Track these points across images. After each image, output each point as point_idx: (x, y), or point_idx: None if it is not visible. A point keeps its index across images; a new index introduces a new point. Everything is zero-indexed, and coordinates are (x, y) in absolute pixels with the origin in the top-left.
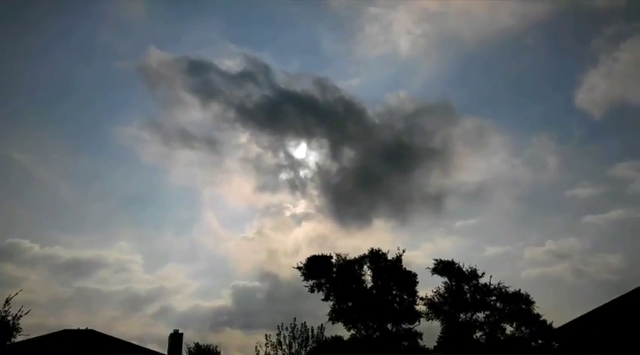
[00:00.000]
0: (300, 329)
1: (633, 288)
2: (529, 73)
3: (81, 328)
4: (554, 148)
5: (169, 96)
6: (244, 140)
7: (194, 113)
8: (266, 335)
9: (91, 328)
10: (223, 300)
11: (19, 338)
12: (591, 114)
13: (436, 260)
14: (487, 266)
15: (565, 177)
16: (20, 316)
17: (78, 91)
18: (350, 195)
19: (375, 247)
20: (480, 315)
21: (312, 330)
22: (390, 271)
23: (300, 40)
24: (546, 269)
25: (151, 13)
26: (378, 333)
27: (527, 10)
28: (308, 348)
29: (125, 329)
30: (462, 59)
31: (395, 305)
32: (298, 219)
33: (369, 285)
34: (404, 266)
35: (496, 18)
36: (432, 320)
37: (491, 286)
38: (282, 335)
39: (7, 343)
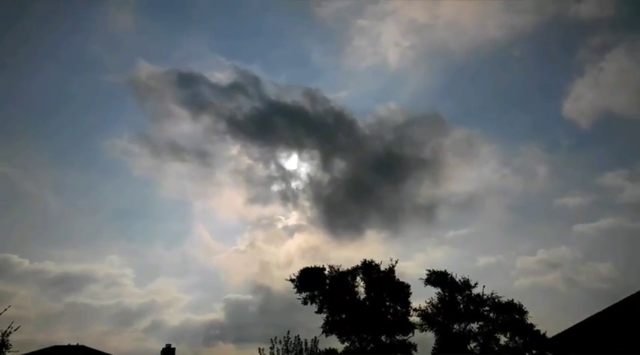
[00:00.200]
0: (293, 342)
1: (625, 297)
2: (517, 84)
3: (72, 344)
4: (543, 157)
5: (159, 109)
6: (235, 152)
7: (184, 125)
8: (259, 348)
9: (82, 344)
10: (215, 314)
11: None
12: (579, 123)
13: (429, 270)
14: (480, 277)
15: (555, 186)
16: (10, 332)
17: (67, 105)
18: (342, 206)
19: (368, 258)
20: (474, 326)
21: (306, 343)
22: (383, 282)
23: (290, 52)
24: (538, 278)
25: (140, 27)
26: (372, 345)
27: (514, 21)
28: None
29: (117, 345)
30: (450, 70)
31: (388, 316)
32: (290, 231)
33: (362, 297)
34: (397, 277)
35: (483, 29)
36: (426, 331)
37: (485, 296)
38: (275, 349)
39: None
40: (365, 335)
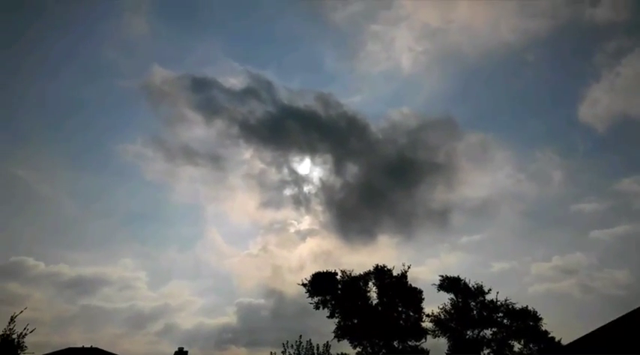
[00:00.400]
0: (305, 346)
1: None
2: (531, 88)
3: (85, 346)
4: (559, 163)
5: (173, 113)
6: (248, 156)
7: (198, 130)
8: (271, 352)
9: (96, 346)
10: (228, 318)
11: None
12: (595, 128)
13: (442, 276)
14: (493, 283)
15: (570, 191)
16: (25, 334)
17: (82, 110)
18: (354, 211)
19: (380, 263)
20: (487, 332)
21: (318, 348)
22: (396, 287)
23: (303, 57)
24: (553, 284)
25: (155, 32)
26: (384, 350)
27: (528, 25)
28: None
29: (129, 347)
30: (463, 75)
31: (401, 322)
32: (303, 235)
33: (374, 302)
34: (409, 282)
35: (497, 33)
36: (439, 337)
37: (498, 302)
38: (287, 353)
39: None
40: (377, 341)
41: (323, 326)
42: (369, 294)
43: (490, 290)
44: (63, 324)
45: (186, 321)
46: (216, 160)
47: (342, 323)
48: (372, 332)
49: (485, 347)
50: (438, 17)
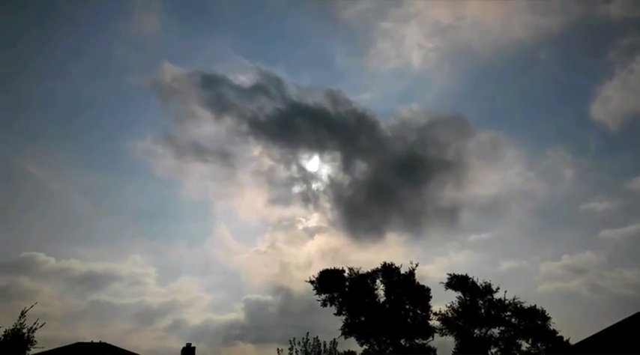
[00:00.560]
0: (312, 343)
1: None
2: (543, 85)
3: (94, 341)
4: (570, 161)
5: (183, 110)
6: (257, 153)
7: (207, 127)
8: (278, 349)
9: (104, 341)
10: (236, 314)
11: (33, 351)
12: (607, 126)
13: (450, 274)
14: (502, 281)
15: (581, 190)
16: (35, 329)
17: (92, 106)
18: (363, 208)
19: (388, 261)
20: (495, 331)
21: (325, 345)
22: (403, 285)
23: (313, 54)
24: (562, 284)
25: (166, 29)
26: (391, 348)
27: (540, 22)
28: None
29: (138, 343)
30: (474, 72)
31: (408, 319)
32: (311, 233)
33: (381, 300)
34: (417, 280)
35: (508, 30)
36: (446, 335)
37: (506, 301)
38: (294, 350)
39: None
40: (384, 338)
41: (330, 323)
42: (376, 292)
43: (498, 288)
44: (72, 319)
45: (195, 317)
46: (225, 157)
47: (349, 321)
48: (379, 330)
49: (492, 346)
50: (448, 14)
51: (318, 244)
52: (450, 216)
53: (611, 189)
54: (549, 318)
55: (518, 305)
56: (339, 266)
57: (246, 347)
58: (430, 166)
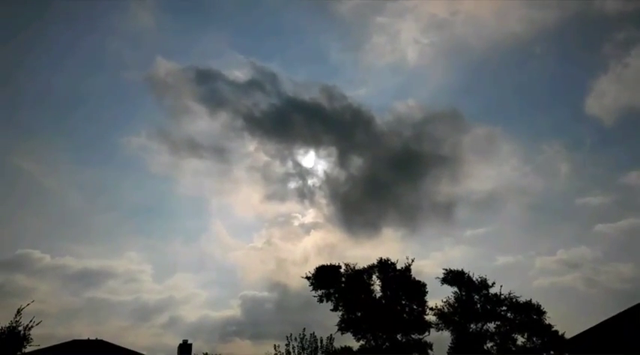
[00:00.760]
0: (309, 339)
1: None
2: (538, 80)
3: (91, 338)
4: (565, 156)
5: (177, 105)
6: (252, 149)
7: (202, 122)
8: (275, 345)
9: (101, 338)
10: (232, 310)
11: (29, 349)
12: (602, 120)
13: (446, 269)
14: (497, 276)
15: (576, 185)
16: (31, 326)
17: (86, 102)
18: (358, 204)
19: (384, 256)
20: (491, 326)
21: (322, 341)
22: (400, 281)
23: (308, 49)
24: (557, 278)
25: (160, 24)
26: (387, 344)
27: (535, 15)
28: None
29: (134, 340)
30: (470, 67)
31: (404, 315)
32: (307, 229)
33: (378, 295)
34: (413, 275)
35: (504, 25)
36: (442, 330)
37: (502, 296)
38: (291, 346)
39: (18, 353)
40: (380, 334)
41: (327, 319)
42: (372, 287)
43: (494, 283)
44: (68, 317)
45: (191, 314)
46: (220, 153)
47: (345, 317)
48: (376, 326)
49: (488, 341)
50: (443, 9)
51: (314, 240)
52: (445, 211)
53: (605, 183)
54: (545, 313)
55: (514, 300)
56: (335, 262)
57: (243, 344)
58: (426, 161)
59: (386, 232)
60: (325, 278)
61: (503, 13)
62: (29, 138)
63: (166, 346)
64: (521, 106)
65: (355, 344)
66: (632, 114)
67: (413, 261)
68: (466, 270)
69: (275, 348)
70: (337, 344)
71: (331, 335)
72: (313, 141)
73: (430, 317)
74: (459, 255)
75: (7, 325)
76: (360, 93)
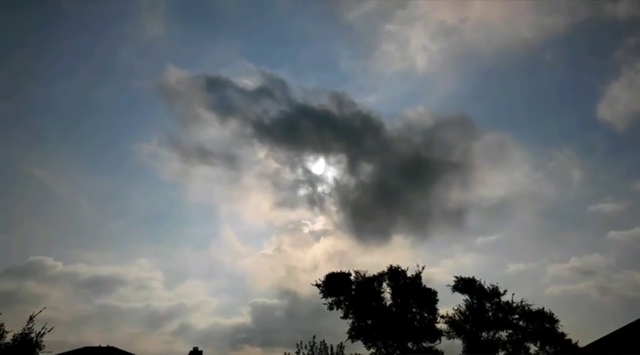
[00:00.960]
0: (319, 347)
1: None
2: (549, 85)
3: (102, 345)
4: (577, 162)
5: (187, 113)
6: (262, 156)
7: (212, 130)
8: (285, 353)
9: (112, 345)
10: (242, 318)
11: None
12: (614, 126)
13: (456, 277)
14: (509, 284)
15: (588, 191)
16: (43, 333)
17: (97, 110)
18: (368, 211)
19: (394, 264)
20: (503, 334)
21: (332, 349)
22: (410, 288)
23: (318, 56)
24: (570, 286)
25: (170, 33)
26: (398, 352)
27: (546, 21)
28: None
29: (145, 347)
30: (479, 73)
31: (415, 323)
32: (317, 236)
33: (388, 303)
34: (424, 283)
35: (514, 31)
36: (454, 338)
37: (514, 304)
38: (301, 354)
39: None
40: (391, 342)
41: (337, 326)
42: (383, 295)
43: (506, 291)
44: (80, 323)
45: (201, 321)
46: (230, 160)
47: (356, 324)
48: (386, 333)
49: (500, 349)
50: (453, 15)
51: (324, 247)
52: (456, 218)
53: (618, 190)
54: (557, 321)
55: (526, 308)
56: (345, 270)
57: (254, 351)
58: (436, 168)
59: (396, 239)
60: (335, 285)
61: (513, 18)
62: (40, 145)
63: (177, 353)
64: (532, 112)
65: (366, 352)
66: None
67: (423, 268)
68: (477, 278)
69: None
70: (348, 352)
71: (341, 343)
72: (323, 148)
73: (441, 325)
74: (470, 263)
75: (20, 332)
76: (369, 100)
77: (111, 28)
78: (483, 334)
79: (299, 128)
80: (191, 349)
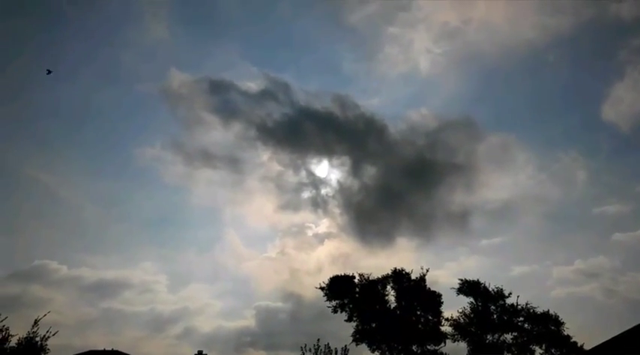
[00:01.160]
0: (323, 350)
1: None
2: (553, 87)
3: (107, 349)
4: (581, 163)
5: (191, 116)
6: (265, 158)
7: (215, 133)
8: None
9: (117, 349)
10: (246, 321)
11: None
12: (619, 127)
13: (461, 280)
14: (514, 286)
15: (592, 193)
16: (48, 337)
17: (101, 114)
18: (372, 213)
19: (399, 266)
20: (508, 337)
21: (336, 352)
22: (414, 291)
23: (321, 59)
24: (575, 288)
25: (174, 37)
26: (402, 354)
27: (549, 22)
28: None
29: (149, 350)
30: (483, 75)
31: (419, 325)
32: (320, 238)
33: (392, 306)
34: (428, 286)
35: (517, 32)
36: (458, 341)
37: (519, 306)
38: None
39: None
40: (396, 345)
41: (341, 329)
42: (387, 298)
43: (510, 294)
44: (85, 327)
45: (206, 324)
46: (234, 163)
47: (360, 327)
48: (391, 336)
49: (505, 352)
50: (456, 16)
51: (328, 250)
52: (460, 220)
53: (623, 191)
54: (563, 323)
55: (531, 311)
56: (349, 272)
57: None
58: (440, 170)
59: (400, 242)
60: (339, 288)
61: (516, 19)
62: (44, 149)
63: None
64: (536, 114)
65: None
66: None
67: (428, 271)
68: (482, 280)
69: None
70: None
71: (346, 346)
72: (326, 150)
73: (446, 327)
74: (475, 265)
75: (25, 336)
76: (373, 102)
77: (114, 32)
78: (488, 337)
79: (302, 131)
80: (195, 352)
